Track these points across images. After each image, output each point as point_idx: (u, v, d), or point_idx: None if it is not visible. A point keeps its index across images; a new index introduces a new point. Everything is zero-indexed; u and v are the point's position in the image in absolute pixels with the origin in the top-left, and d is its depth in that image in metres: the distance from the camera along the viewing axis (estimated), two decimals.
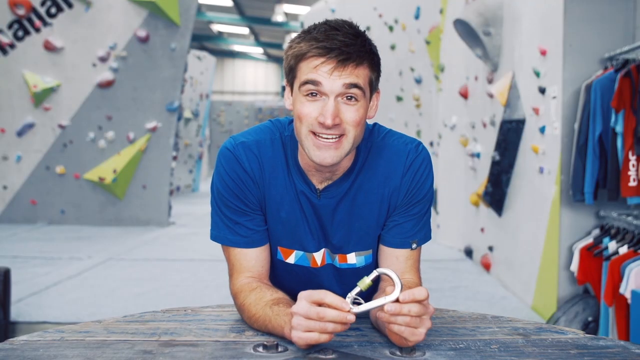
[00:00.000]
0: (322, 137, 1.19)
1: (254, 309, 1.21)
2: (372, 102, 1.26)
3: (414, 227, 1.33)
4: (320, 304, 1.03)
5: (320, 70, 1.16)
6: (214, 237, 1.36)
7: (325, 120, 1.16)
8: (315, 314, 1.01)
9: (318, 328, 1.02)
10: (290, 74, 1.23)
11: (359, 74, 1.18)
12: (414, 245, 1.33)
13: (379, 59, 1.24)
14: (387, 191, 1.31)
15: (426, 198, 1.33)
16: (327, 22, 1.20)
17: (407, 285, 1.25)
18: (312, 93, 1.18)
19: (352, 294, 1.07)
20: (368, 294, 1.18)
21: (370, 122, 1.35)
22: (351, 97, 1.18)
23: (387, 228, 1.34)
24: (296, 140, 1.29)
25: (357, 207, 1.32)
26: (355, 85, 1.17)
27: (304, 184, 1.30)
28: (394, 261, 1.33)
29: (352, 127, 1.19)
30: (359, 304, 1.06)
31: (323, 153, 1.19)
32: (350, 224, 1.33)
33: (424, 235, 1.36)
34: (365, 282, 1.08)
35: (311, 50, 1.17)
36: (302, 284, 1.42)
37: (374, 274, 1.08)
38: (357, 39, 1.18)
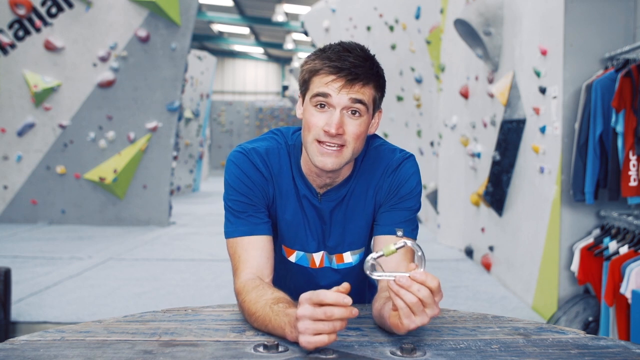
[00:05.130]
0: (325, 145, 1.30)
1: (253, 307, 1.23)
2: (373, 120, 1.38)
3: (400, 217, 1.41)
4: (322, 304, 1.03)
5: (331, 86, 1.28)
6: (227, 233, 1.41)
7: (330, 129, 1.28)
8: (323, 314, 1.02)
9: (327, 329, 1.03)
10: (304, 86, 1.35)
11: (365, 92, 1.30)
12: (399, 233, 1.38)
13: (384, 81, 1.36)
14: (371, 192, 1.43)
15: (413, 195, 1.42)
16: (341, 44, 1.32)
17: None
18: (321, 104, 1.30)
19: (373, 256, 1.08)
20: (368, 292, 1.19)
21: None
22: (355, 111, 1.30)
23: (376, 221, 1.44)
24: (300, 149, 1.42)
25: (350, 210, 1.44)
26: (360, 101, 1.29)
27: (306, 188, 1.42)
28: None
29: (352, 140, 1.31)
30: (380, 267, 1.08)
31: (325, 159, 1.30)
32: (344, 225, 1.45)
33: (411, 230, 1.42)
34: (390, 248, 1.09)
35: (324, 68, 1.29)
36: (301, 283, 1.50)
37: (401, 243, 1.08)
38: (366, 62, 1.30)
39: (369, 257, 1.08)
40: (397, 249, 1.08)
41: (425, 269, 1.08)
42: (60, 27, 8.00)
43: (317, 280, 1.49)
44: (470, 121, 5.94)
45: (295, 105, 1.41)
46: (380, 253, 1.08)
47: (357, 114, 1.29)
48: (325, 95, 1.28)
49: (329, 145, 1.29)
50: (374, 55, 1.34)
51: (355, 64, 1.27)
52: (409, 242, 1.09)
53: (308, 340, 1.03)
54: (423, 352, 1.09)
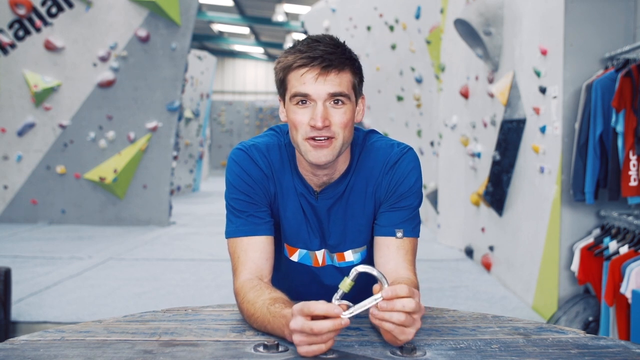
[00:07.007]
0: (315, 140, 1.29)
1: (252, 307, 1.23)
2: (358, 106, 1.37)
3: (399, 217, 1.39)
4: (312, 316, 1.03)
5: (306, 78, 1.28)
6: (228, 233, 1.40)
7: (316, 122, 1.27)
8: (310, 329, 1.02)
9: (319, 340, 1.03)
10: (282, 87, 1.34)
11: (342, 80, 1.29)
12: (399, 234, 1.38)
13: (359, 64, 1.35)
14: (371, 189, 1.41)
15: (412, 191, 1.40)
16: (309, 37, 1.32)
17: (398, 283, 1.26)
18: (302, 101, 1.29)
19: (337, 297, 1.07)
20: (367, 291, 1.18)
21: (367, 128, 1.44)
22: (338, 100, 1.29)
23: (376, 220, 1.42)
24: (294, 147, 1.40)
25: (349, 207, 1.42)
26: (340, 94, 1.29)
27: (302, 186, 1.41)
28: (385, 251, 1.38)
29: (340, 129, 1.30)
30: (347, 306, 1.07)
31: (318, 153, 1.30)
32: (345, 223, 1.43)
33: (412, 229, 1.40)
34: (346, 282, 1.08)
35: (297, 61, 1.28)
36: (306, 282, 1.50)
37: (353, 273, 1.08)
38: (337, 48, 1.30)
39: (334, 301, 1.07)
40: (353, 279, 1.08)
41: (389, 283, 1.08)
42: (60, 27, 8.00)
43: (320, 279, 1.48)
44: (470, 121, 5.94)
45: None
46: (341, 291, 1.08)
47: (340, 103, 1.29)
48: (303, 94, 1.28)
49: (319, 139, 1.29)
50: (344, 41, 1.33)
51: (328, 51, 1.27)
52: (360, 268, 1.08)
53: (306, 350, 1.04)
54: (423, 352, 1.09)
